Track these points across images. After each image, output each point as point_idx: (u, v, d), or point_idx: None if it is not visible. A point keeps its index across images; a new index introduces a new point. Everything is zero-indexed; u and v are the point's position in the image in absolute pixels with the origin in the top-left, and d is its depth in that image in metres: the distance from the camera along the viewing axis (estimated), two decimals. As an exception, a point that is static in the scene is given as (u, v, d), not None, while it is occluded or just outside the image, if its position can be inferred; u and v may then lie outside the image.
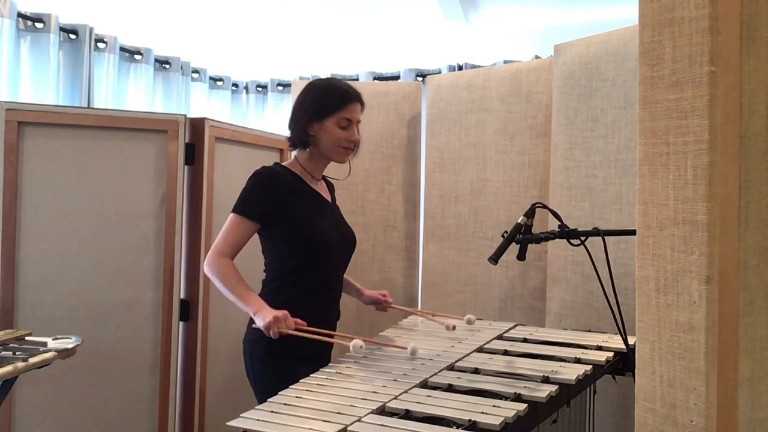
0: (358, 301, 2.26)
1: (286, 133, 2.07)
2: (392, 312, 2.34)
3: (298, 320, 1.82)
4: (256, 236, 1.99)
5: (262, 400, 1.46)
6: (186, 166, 2.55)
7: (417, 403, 1.39)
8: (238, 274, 1.89)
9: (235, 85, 3.92)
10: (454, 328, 2.06)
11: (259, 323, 1.79)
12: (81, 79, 3.05)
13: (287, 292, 1.93)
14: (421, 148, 3.14)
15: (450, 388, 1.52)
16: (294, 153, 2.07)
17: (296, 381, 1.57)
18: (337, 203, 2.19)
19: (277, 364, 1.89)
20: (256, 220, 1.91)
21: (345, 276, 2.16)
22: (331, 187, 2.19)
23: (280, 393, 1.48)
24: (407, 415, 1.35)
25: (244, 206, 1.91)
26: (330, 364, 1.73)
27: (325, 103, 1.96)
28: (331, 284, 2.04)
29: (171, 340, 2.49)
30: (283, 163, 2.05)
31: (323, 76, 3.70)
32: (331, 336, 1.88)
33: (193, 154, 2.57)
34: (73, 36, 3.05)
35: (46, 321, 2.36)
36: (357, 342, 1.72)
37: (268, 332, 1.76)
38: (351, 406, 1.39)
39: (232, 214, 1.92)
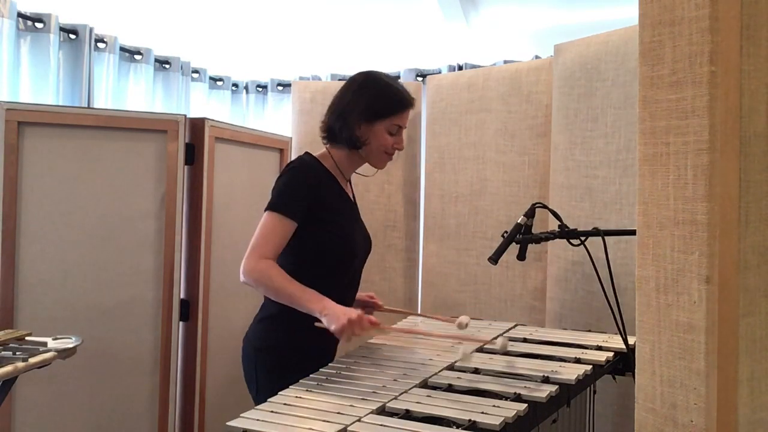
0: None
1: (322, 123, 1.92)
2: (391, 314, 2.33)
3: (372, 318, 1.66)
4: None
5: None
6: (186, 166, 2.55)
7: (417, 403, 1.39)
8: (285, 273, 1.73)
9: (235, 85, 3.92)
10: (466, 325, 1.86)
11: (330, 325, 1.62)
12: (81, 79, 3.04)
13: None
14: (421, 148, 3.14)
15: (450, 388, 1.52)
16: (327, 145, 1.93)
17: None
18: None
19: (282, 377, 1.73)
20: (295, 219, 1.75)
21: None
22: (351, 183, 2.07)
23: (280, 393, 1.48)
24: (407, 415, 1.35)
25: (284, 204, 1.75)
26: (329, 364, 1.73)
27: (382, 106, 1.84)
28: (349, 293, 1.94)
29: (171, 340, 2.49)
30: (315, 155, 1.90)
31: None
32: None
33: (193, 154, 2.57)
34: (73, 36, 3.05)
35: (46, 321, 2.36)
36: (464, 319, 1.71)
37: (340, 336, 1.62)
38: (351, 406, 1.39)
39: (269, 213, 1.75)
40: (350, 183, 2.06)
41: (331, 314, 1.63)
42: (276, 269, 1.72)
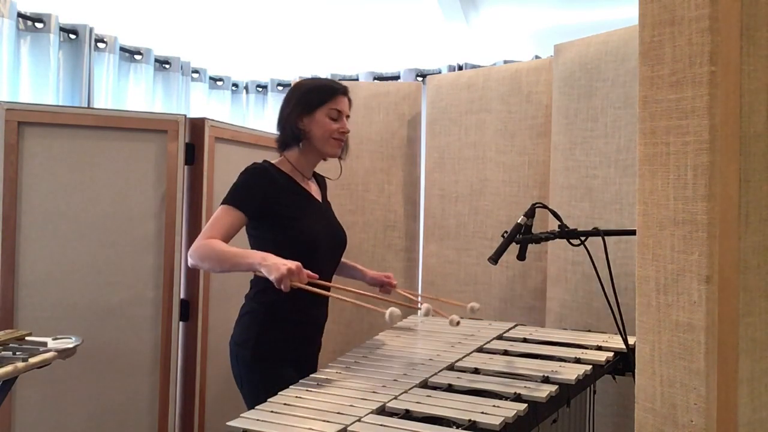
0: (356, 304, 2.23)
1: (276, 135, 2.04)
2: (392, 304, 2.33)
3: (311, 273, 1.70)
4: (244, 236, 1.95)
5: (250, 404, 1.44)
6: (186, 166, 2.55)
7: (417, 403, 1.39)
8: (226, 244, 1.80)
9: (235, 85, 3.92)
10: (458, 323, 1.92)
11: (270, 275, 1.65)
12: (81, 79, 3.05)
13: (275, 292, 1.79)
14: (421, 148, 3.14)
15: (450, 388, 1.52)
16: (282, 153, 2.03)
17: (282, 384, 1.55)
18: (335, 202, 2.16)
19: (262, 368, 1.88)
20: (244, 212, 1.86)
21: (344, 260, 2.14)
22: (322, 185, 2.16)
23: (280, 393, 1.49)
24: (407, 415, 1.35)
25: (233, 197, 1.88)
26: (329, 364, 1.73)
27: (314, 97, 1.97)
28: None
29: (171, 340, 2.49)
30: (273, 162, 2.01)
31: (322, 76, 3.70)
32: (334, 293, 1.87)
33: (193, 154, 2.57)
34: (73, 36, 3.05)
35: (46, 321, 2.36)
36: (394, 311, 1.61)
37: (279, 285, 1.64)
38: (351, 406, 1.39)
39: (221, 206, 1.88)
40: (317, 182, 2.13)
41: (271, 264, 1.66)
42: (217, 241, 1.78)
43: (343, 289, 1.90)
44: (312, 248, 1.95)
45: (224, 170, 2.69)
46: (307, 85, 2.03)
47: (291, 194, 1.96)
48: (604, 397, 2.28)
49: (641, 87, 1.10)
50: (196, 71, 3.67)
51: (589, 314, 2.40)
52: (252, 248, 1.97)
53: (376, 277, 2.21)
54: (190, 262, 1.83)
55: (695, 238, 1.02)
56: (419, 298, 2.46)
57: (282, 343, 1.84)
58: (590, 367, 1.70)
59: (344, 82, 2.09)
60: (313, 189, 2.07)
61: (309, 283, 1.69)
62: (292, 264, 1.65)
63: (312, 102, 1.96)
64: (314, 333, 2.01)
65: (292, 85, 2.08)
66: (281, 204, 1.92)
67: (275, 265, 1.65)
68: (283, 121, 2.01)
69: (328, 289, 1.82)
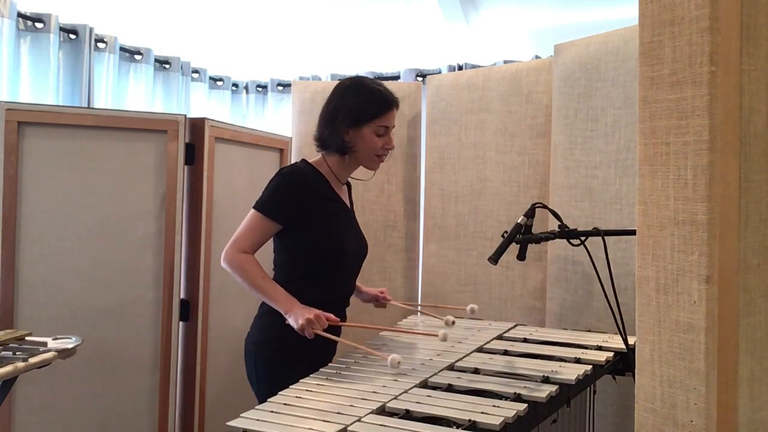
0: (358, 302, 2.24)
1: (315, 132, 1.99)
2: (392, 312, 2.34)
3: (331, 316, 1.80)
4: None
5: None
6: (186, 166, 2.55)
7: (417, 403, 1.39)
8: (262, 269, 1.86)
9: (235, 85, 3.92)
10: (453, 323, 2.01)
11: (293, 323, 1.77)
12: (81, 79, 3.04)
13: (297, 296, 1.85)
14: (421, 148, 3.14)
15: (450, 388, 1.52)
16: (321, 152, 2.00)
17: None
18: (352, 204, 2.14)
19: (282, 370, 1.86)
20: (278, 221, 1.87)
21: None
22: (349, 188, 2.14)
23: (280, 393, 1.49)
24: (407, 415, 1.35)
25: (268, 206, 1.87)
26: (330, 365, 1.74)
27: (364, 110, 1.91)
28: (342, 293, 2.02)
29: (171, 340, 2.49)
30: (311, 161, 1.99)
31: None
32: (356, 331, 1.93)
33: (193, 154, 2.57)
34: (73, 36, 3.04)
35: (46, 321, 2.36)
36: (395, 358, 1.65)
37: (302, 333, 1.75)
38: (351, 406, 1.39)
39: (254, 211, 1.87)
40: (348, 188, 2.11)
41: (293, 315, 1.78)
42: (251, 263, 1.85)
43: (359, 326, 2.01)
44: (341, 258, 1.95)
45: (224, 170, 2.69)
46: (360, 92, 1.94)
47: (325, 202, 1.94)
48: (604, 397, 2.28)
49: (641, 87, 1.10)
50: (196, 71, 3.67)
51: (589, 314, 2.40)
52: (277, 249, 1.97)
53: (371, 293, 2.20)
54: (222, 263, 1.89)
55: (695, 238, 1.02)
56: (418, 307, 2.48)
57: (302, 344, 1.82)
58: (590, 367, 1.70)
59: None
60: (345, 195, 2.06)
61: (331, 324, 1.82)
62: (311, 314, 1.76)
63: (362, 116, 1.91)
64: (334, 334, 1.98)
65: (344, 83, 1.99)
66: (314, 211, 1.90)
67: (296, 316, 1.77)
68: (328, 124, 1.94)
69: (340, 329, 1.94)
